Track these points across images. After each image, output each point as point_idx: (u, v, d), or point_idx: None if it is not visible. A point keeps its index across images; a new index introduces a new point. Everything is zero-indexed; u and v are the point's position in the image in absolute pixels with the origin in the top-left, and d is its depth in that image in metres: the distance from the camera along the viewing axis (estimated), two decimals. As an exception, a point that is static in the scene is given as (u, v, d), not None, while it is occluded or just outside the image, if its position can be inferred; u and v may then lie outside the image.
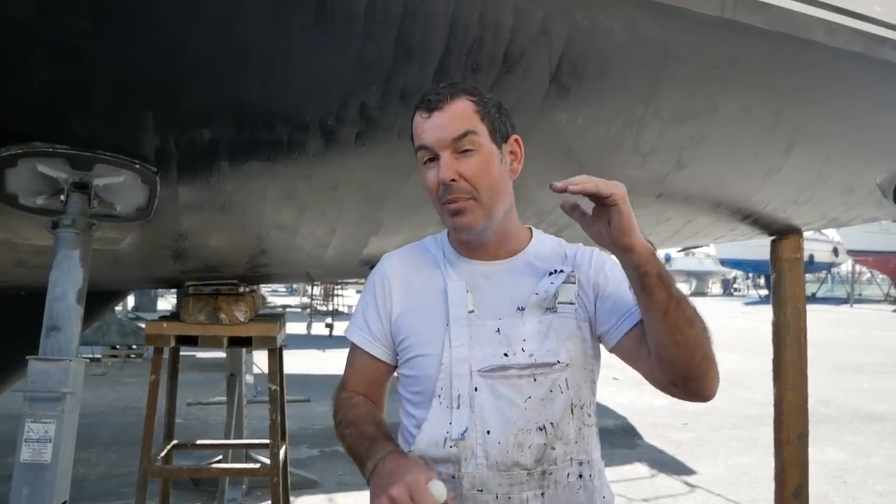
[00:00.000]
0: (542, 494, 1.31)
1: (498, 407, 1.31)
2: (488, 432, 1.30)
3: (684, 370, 1.24)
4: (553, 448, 1.32)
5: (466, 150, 1.31)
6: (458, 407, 1.31)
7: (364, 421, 1.37)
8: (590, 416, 1.39)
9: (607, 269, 1.41)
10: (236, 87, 2.01)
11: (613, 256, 1.38)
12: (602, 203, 1.18)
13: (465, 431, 1.30)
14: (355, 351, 1.48)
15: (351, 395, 1.45)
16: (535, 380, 1.33)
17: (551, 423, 1.32)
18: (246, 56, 1.93)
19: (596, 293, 1.39)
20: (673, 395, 1.29)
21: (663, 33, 2.37)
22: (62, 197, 2.03)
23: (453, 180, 1.30)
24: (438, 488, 1.14)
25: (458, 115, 1.32)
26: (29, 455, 1.82)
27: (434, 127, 1.32)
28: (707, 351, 1.23)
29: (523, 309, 1.36)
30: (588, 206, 1.23)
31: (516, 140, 1.41)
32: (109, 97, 1.95)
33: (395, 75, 2.07)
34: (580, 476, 1.36)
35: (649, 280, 1.20)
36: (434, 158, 1.32)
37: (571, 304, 1.37)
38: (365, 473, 1.26)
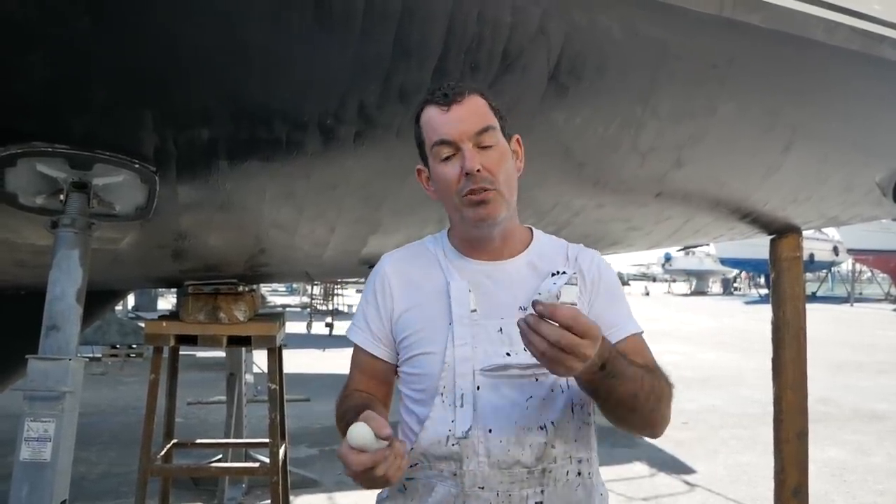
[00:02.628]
0: (542, 492, 1.32)
1: (500, 406, 1.32)
2: (490, 431, 1.31)
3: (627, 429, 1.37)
4: (553, 447, 1.33)
5: (487, 146, 1.33)
6: (462, 406, 1.31)
7: (356, 401, 1.36)
8: (589, 414, 1.40)
9: (602, 285, 1.43)
10: (235, 85, 2.01)
11: (611, 266, 1.47)
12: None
13: (468, 430, 1.30)
14: (358, 352, 1.47)
15: (350, 392, 1.44)
16: (536, 380, 1.33)
17: (552, 423, 1.33)
18: (245, 54, 1.93)
19: (590, 305, 1.41)
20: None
21: (661, 32, 2.37)
22: (61, 196, 2.03)
23: (478, 170, 1.31)
24: (356, 433, 1.12)
25: (478, 109, 1.35)
26: (29, 454, 1.82)
27: (455, 120, 1.33)
28: (651, 417, 1.31)
29: (525, 309, 1.35)
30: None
31: (517, 140, 1.43)
32: (108, 96, 1.95)
33: (394, 74, 2.07)
34: (579, 473, 1.36)
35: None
36: (452, 155, 1.33)
37: (573, 305, 1.37)
38: None
